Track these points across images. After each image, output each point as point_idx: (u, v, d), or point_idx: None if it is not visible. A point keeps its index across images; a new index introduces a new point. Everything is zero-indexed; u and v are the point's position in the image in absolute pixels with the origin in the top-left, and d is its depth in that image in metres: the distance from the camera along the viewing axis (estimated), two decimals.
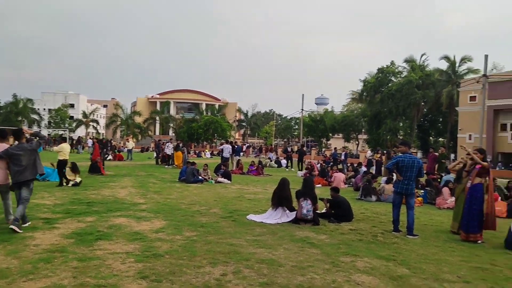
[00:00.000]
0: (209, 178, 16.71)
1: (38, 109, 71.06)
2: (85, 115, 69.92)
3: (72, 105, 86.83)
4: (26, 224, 7.43)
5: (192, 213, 9.32)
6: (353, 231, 8.09)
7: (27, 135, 8.41)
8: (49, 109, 79.66)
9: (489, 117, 35.35)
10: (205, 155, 42.93)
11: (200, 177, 16.18)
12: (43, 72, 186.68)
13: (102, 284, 4.63)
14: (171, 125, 71.58)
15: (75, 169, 14.29)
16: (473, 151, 8.35)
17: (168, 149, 25.09)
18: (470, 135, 39.04)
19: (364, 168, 20.22)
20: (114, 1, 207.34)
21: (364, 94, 52.70)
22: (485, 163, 7.98)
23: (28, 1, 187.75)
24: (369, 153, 26.31)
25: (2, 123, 55.24)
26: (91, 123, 69.57)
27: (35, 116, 64.84)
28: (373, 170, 21.92)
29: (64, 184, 13.55)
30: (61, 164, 13.66)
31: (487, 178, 8.03)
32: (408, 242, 7.43)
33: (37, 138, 8.49)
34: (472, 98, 39.15)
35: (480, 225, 7.79)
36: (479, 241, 7.66)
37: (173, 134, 66.18)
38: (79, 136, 48.88)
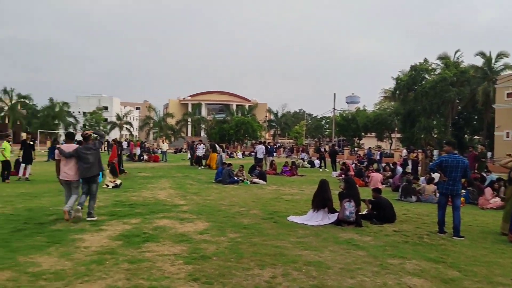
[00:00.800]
0: (244, 179, 16.79)
1: (73, 112, 73.11)
2: (119, 117, 71.61)
3: (106, 108, 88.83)
4: (94, 218, 8.42)
5: (233, 214, 9.40)
6: (398, 232, 7.97)
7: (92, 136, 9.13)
8: (84, 112, 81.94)
9: None
10: (237, 155, 43.21)
11: (236, 178, 16.28)
12: (77, 76, 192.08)
13: (155, 286, 4.71)
14: (203, 126, 72.42)
15: (114, 171, 14.62)
16: None
17: (199, 151, 25.31)
18: (507, 133, 37.82)
19: (400, 168, 19.84)
20: (140, 5, 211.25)
21: (397, 92, 51.63)
22: None
23: (59, 10, 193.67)
24: (404, 152, 25.79)
25: (40, 127, 57.32)
26: (124, 125, 71.14)
27: (71, 119, 66.79)
28: (408, 169, 21.51)
29: (105, 186, 13.90)
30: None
31: None
32: (456, 243, 7.25)
33: (98, 137, 9.19)
34: (510, 95, 37.93)
35: None
36: None
37: (205, 135, 66.90)
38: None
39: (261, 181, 16.60)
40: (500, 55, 43.94)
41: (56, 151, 8.66)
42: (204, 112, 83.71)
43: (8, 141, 15.86)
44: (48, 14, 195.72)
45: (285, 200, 12.02)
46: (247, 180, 16.74)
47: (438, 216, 8.09)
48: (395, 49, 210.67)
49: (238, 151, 48.43)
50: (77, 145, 8.63)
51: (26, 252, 5.90)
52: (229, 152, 43.60)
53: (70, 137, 9.13)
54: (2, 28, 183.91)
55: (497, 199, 12.11)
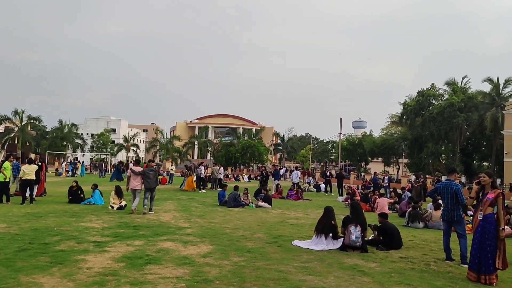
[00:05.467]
0: (249, 202, 16.72)
1: (82, 134, 73.71)
2: (126, 139, 71.98)
3: (113, 130, 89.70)
4: (152, 212, 13.14)
5: (237, 238, 9.33)
6: (404, 259, 7.84)
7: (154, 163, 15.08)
8: (92, 134, 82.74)
9: None
10: (243, 179, 43.09)
11: (241, 202, 16.22)
12: (85, 98, 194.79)
13: None
14: (209, 149, 72.57)
15: (119, 193, 14.65)
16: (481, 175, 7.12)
17: (201, 173, 25.26)
18: None
19: (408, 193, 19.67)
20: (150, 29, 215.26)
21: (404, 117, 51.59)
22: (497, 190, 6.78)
23: (70, 33, 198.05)
24: (413, 178, 25.64)
25: (49, 148, 57.75)
26: (131, 148, 71.47)
27: (79, 141, 67.28)
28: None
29: (109, 207, 13.96)
30: (24, 183, 14.67)
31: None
32: (463, 271, 7.09)
33: (157, 165, 13.01)
34: None
35: (494, 263, 6.46)
36: (494, 284, 6.39)
37: (211, 158, 66.98)
38: (120, 160, 50.19)
39: (266, 205, 16.52)
40: (508, 81, 43.76)
41: (129, 170, 13.61)
42: (211, 135, 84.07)
43: (10, 161, 15.85)
44: (60, 37, 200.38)
45: (290, 224, 11.93)
46: (252, 203, 16.68)
47: (443, 243, 7.99)
48: (402, 75, 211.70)
49: (244, 174, 48.33)
50: (142, 168, 13.59)
51: (29, 272, 5.89)
52: (235, 175, 43.64)
53: (138, 162, 14.71)
54: (15, 51, 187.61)
55: (507, 227, 11.90)
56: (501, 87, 44.37)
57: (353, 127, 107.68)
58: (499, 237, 6.46)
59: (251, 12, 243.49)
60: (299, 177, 28.92)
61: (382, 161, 63.07)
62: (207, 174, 27.36)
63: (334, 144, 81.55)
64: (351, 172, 55.01)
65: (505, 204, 12.48)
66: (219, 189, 24.64)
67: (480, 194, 6.96)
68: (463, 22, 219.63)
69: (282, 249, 8.27)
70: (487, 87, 46.05)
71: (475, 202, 7.33)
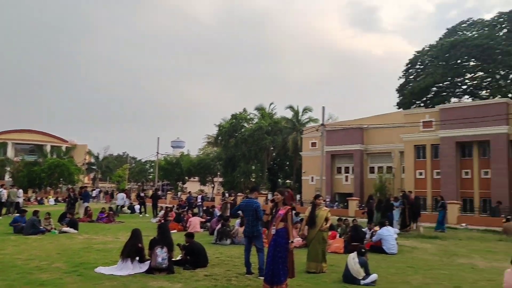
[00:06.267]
0: (52, 228, 15.12)
1: None
2: None
3: None
4: None
5: (30, 269, 8.26)
6: (208, 276, 8.08)
7: None
8: None
9: (327, 161, 39.71)
10: (48, 202, 38.85)
11: (41, 228, 14.53)
12: None
13: None
14: (8, 168, 63.66)
15: None
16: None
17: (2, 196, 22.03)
18: (312, 177, 43.07)
19: (218, 212, 20.55)
20: None
21: (219, 138, 54.60)
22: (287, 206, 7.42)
23: None
24: (226, 196, 27.04)
25: None
26: None
27: None
28: (227, 213, 22.43)
29: None
30: None
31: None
32: (260, 283, 7.65)
33: None
34: (313, 144, 43.62)
35: (285, 273, 7.11)
36: None
37: (10, 179, 58.84)
38: None
39: (71, 230, 15.16)
40: (305, 110, 50.81)
41: None
42: (10, 153, 73.95)
43: None
44: None
45: (96, 250, 11.17)
46: (55, 229, 15.13)
47: (244, 258, 8.53)
48: (218, 97, 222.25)
49: (50, 196, 43.73)
50: None
51: None
52: (38, 198, 39.16)
53: None
54: None
55: (299, 238, 13.32)
56: (300, 114, 50.91)
57: (172, 146, 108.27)
58: (287, 249, 7.19)
59: (69, 23, 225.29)
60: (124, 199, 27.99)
61: (199, 180, 64.95)
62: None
63: (153, 164, 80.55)
64: (168, 192, 55.01)
65: (300, 219, 13.93)
66: (16, 214, 21.79)
67: (274, 211, 7.64)
68: (272, 53, 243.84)
69: (83, 278, 7.65)
70: (289, 114, 52.29)
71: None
